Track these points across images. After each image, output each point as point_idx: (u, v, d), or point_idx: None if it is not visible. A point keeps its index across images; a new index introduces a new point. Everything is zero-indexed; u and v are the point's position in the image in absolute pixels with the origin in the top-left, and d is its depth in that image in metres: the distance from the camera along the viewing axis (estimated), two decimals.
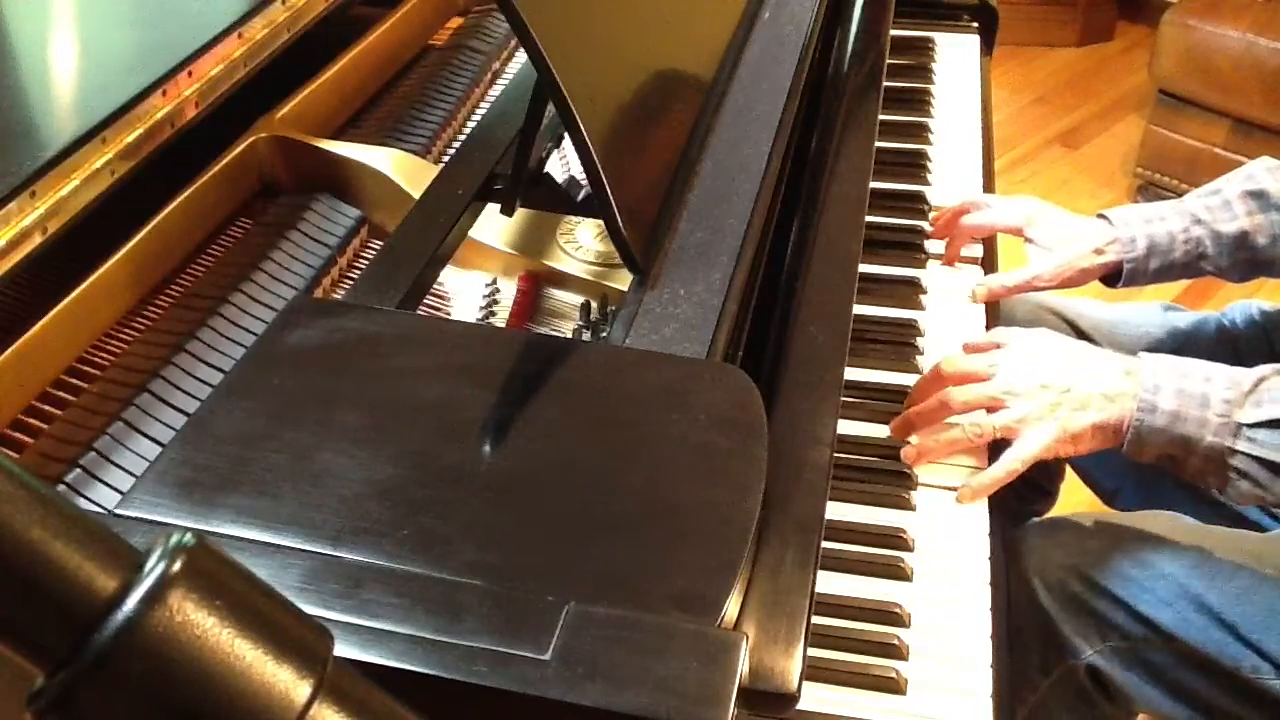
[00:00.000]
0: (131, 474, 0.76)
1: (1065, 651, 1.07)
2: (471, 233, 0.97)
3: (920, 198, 1.34)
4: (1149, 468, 0.99)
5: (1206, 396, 0.93)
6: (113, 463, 0.77)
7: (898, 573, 0.92)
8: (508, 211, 0.92)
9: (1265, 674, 1.02)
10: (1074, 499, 1.53)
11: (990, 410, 0.99)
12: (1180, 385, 0.94)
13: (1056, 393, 0.96)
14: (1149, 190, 2.86)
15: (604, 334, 0.89)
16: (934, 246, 1.28)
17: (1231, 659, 1.02)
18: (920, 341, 1.14)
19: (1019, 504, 1.48)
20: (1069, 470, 1.47)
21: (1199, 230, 1.17)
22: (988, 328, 1.19)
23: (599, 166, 0.80)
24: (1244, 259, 1.18)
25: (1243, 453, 0.92)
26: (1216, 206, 1.17)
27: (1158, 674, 1.06)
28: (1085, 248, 1.18)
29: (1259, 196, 1.16)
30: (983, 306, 1.21)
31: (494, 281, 0.98)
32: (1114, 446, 0.96)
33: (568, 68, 0.79)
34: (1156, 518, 1.12)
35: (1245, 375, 0.94)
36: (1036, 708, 1.11)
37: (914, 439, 1.01)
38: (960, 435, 0.98)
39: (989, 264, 1.28)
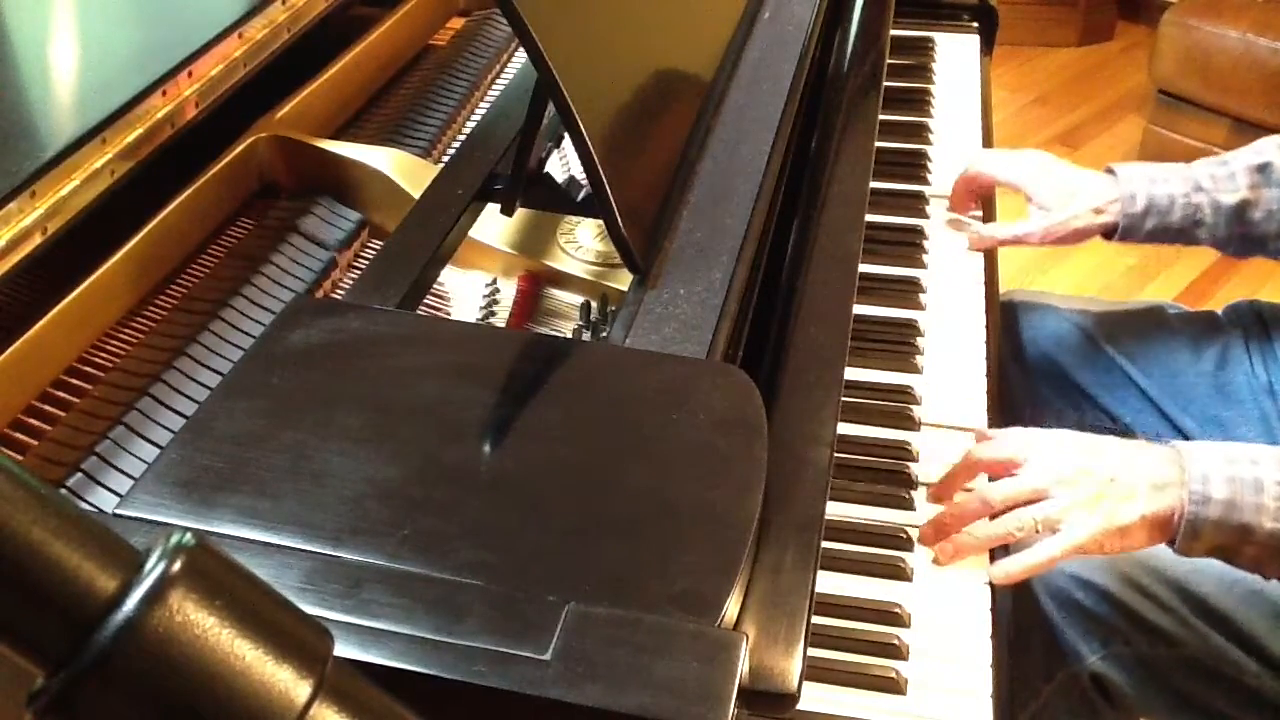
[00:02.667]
0: (132, 478, 0.76)
1: (1067, 657, 1.07)
2: (471, 233, 0.97)
3: (920, 197, 1.34)
4: None
5: (1260, 481, 0.88)
6: (114, 467, 0.77)
7: (898, 573, 0.92)
8: (508, 211, 0.92)
9: (1268, 680, 1.02)
10: None
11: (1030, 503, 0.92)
12: (1229, 471, 0.88)
13: (1101, 481, 0.90)
14: None
15: (604, 334, 0.89)
16: (934, 247, 1.28)
17: (1234, 665, 1.02)
18: (920, 341, 1.14)
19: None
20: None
21: (1200, 197, 1.18)
22: (988, 327, 1.19)
23: (599, 166, 0.80)
24: (1239, 232, 1.19)
25: None
26: (1222, 177, 1.19)
27: (1160, 680, 1.05)
28: (1083, 207, 1.20)
29: (1263, 170, 1.17)
30: (982, 308, 1.21)
31: (494, 281, 0.98)
32: (1163, 541, 0.91)
33: (568, 68, 0.79)
34: None
35: None
36: (1038, 714, 1.11)
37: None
38: (1002, 531, 0.91)
39: (988, 220, 1.32)
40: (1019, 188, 1.26)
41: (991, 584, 0.92)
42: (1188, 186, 1.18)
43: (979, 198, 1.33)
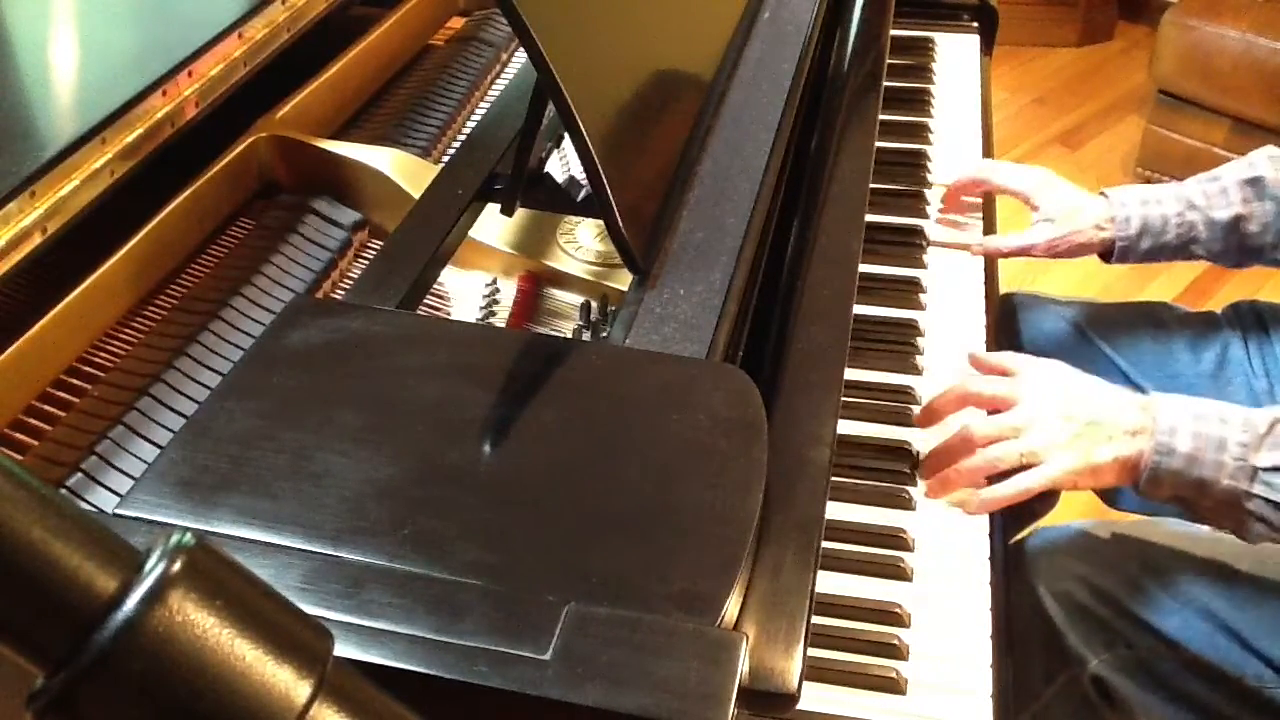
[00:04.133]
0: (132, 478, 0.76)
1: (1069, 660, 1.07)
2: (471, 233, 0.97)
3: (920, 198, 1.34)
4: None
5: (1223, 440, 0.92)
6: (114, 467, 0.77)
7: (898, 573, 0.92)
8: (508, 211, 0.92)
9: (1269, 682, 1.02)
10: (1075, 499, 1.53)
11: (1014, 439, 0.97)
12: (1196, 427, 0.92)
13: (1081, 424, 0.95)
14: None
15: (604, 334, 0.89)
16: (934, 247, 1.28)
17: (1236, 667, 1.02)
18: (920, 341, 1.14)
19: (1020, 505, 1.48)
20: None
21: (1193, 215, 1.19)
22: (988, 327, 1.19)
23: (599, 166, 0.80)
24: (1235, 244, 1.20)
25: (1259, 496, 0.91)
26: (1214, 193, 1.20)
27: (1163, 683, 1.05)
28: (1085, 223, 1.22)
29: (1255, 183, 1.18)
30: (982, 308, 1.21)
31: (494, 281, 0.98)
32: (1129, 484, 0.95)
33: (568, 68, 0.79)
34: (1161, 525, 1.12)
35: (1260, 417, 0.93)
36: (1039, 715, 1.11)
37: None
38: (983, 462, 0.96)
39: (988, 230, 1.32)
40: (1024, 197, 1.27)
41: (991, 586, 0.92)
42: (1181, 205, 1.20)
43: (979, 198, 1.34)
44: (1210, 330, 1.32)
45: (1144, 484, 0.94)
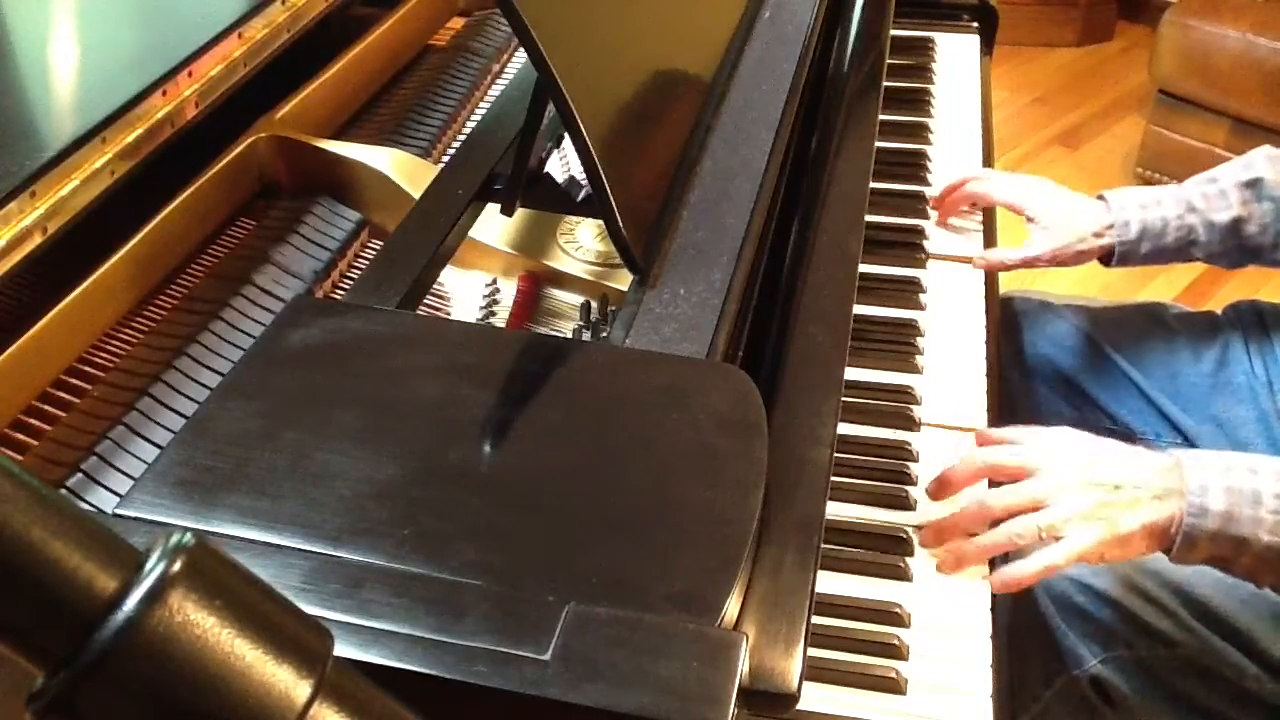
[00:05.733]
0: (132, 478, 0.76)
1: (1068, 661, 1.07)
2: (471, 233, 0.97)
3: (920, 198, 1.34)
4: None
5: (1258, 494, 0.88)
6: (114, 467, 0.77)
7: (898, 573, 0.92)
8: (508, 211, 0.92)
9: (1268, 683, 1.02)
10: None
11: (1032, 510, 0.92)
12: (1227, 482, 0.88)
13: (1105, 491, 0.90)
14: None
15: (604, 334, 0.89)
16: (935, 247, 1.28)
17: (1235, 668, 1.02)
18: (920, 341, 1.14)
19: None
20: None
21: (1193, 218, 1.19)
22: (988, 328, 1.19)
23: (599, 166, 0.80)
24: (1234, 246, 1.20)
25: None
26: (1213, 195, 1.19)
27: (1161, 684, 1.05)
28: (1084, 230, 1.21)
29: (1254, 185, 1.18)
30: (982, 308, 1.21)
31: (494, 281, 0.98)
32: (1161, 550, 0.91)
33: (568, 68, 0.79)
34: None
35: None
36: (1038, 717, 1.11)
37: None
38: (1004, 538, 0.91)
39: (988, 240, 1.31)
40: (1020, 208, 1.27)
41: (992, 587, 0.92)
42: (1180, 208, 1.19)
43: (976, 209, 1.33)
44: (1210, 330, 1.32)
45: (1177, 551, 0.89)
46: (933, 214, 1.32)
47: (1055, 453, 0.93)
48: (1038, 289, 1.51)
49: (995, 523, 0.92)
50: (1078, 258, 1.23)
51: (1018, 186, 1.28)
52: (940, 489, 0.96)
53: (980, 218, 1.34)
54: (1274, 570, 0.89)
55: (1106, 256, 1.23)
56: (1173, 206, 1.20)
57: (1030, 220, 1.26)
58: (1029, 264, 1.24)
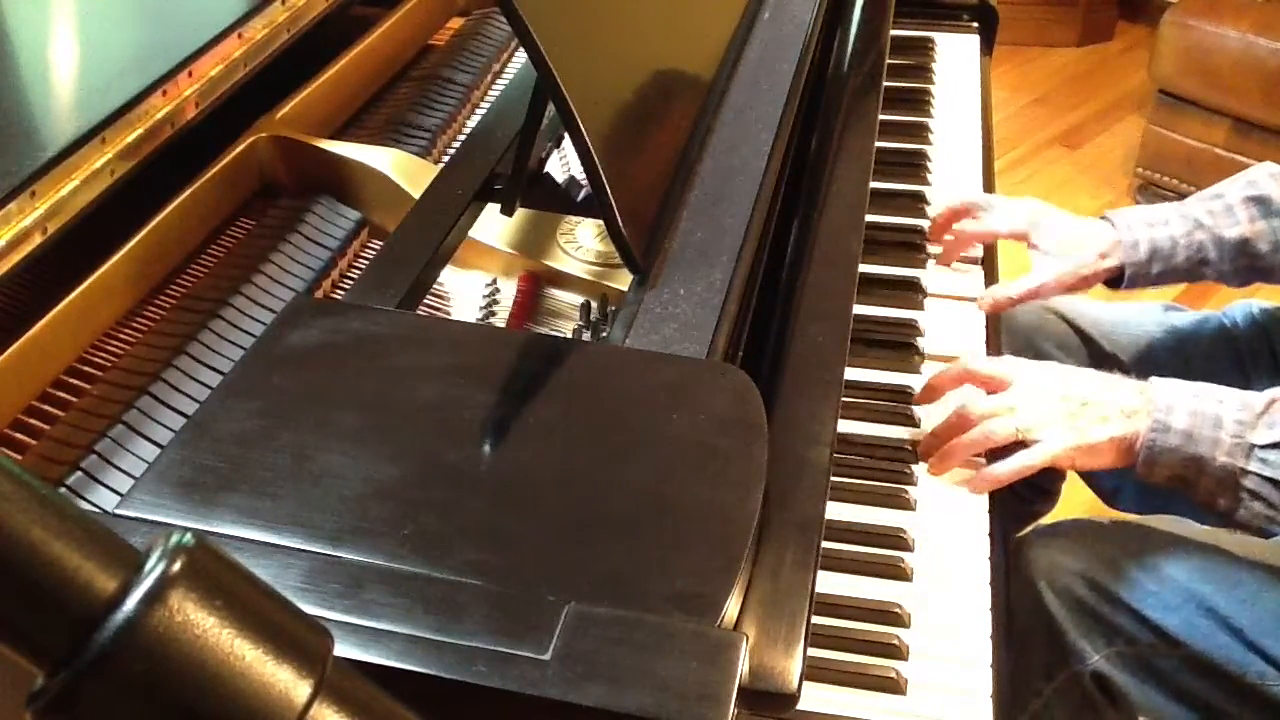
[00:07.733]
0: (132, 477, 0.76)
1: (1070, 657, 1.07)
2: (471, 233, 0.97)
3: (920, 198, 1.34)
4: None
5: (1220, 417, 0.93)
6: (114, 466, 0.77)
7: (898, 573, 0.92)
8: (508, 211, 0.92)
9: (1271, 679, 1.02)
10: (1074, 499, 1.53)
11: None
12: (1193, 405, 0.94)
13: (1076, 403, 0.97)
14: (1149, 190, 2.86)
15: (604, 334, 0.89)
16: (934, 246, 1.28)
17: (1237, 664, 1.02)
18: (920, 341, 1.14)
19: (1020, 505, 1.48)
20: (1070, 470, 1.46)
21: (1201, 235, 1.17)
22: (988, 328, 1.19)
23: (599, 166, 0.80)
24: (1244, 265, 1.18)
25: (1255, 474, 0.92)
26: (1219, 211, 1.17)
27: (1163, 679, 1.05)
28: (1090, 254, 1.18)
29: (1261, 202, 1.16)
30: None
31: (494, 281, 0.98)
32: (1127, 465, 0.97)
33: (568, 68, 0.79)
34: (1162, 522, 1.12)
35: (1258, 397, 0.94)
36: (1040, 713, 1.11)
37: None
38: (980, 435, 0.98)
39: (989, 264, 1.29)
40: (1021, 236, 1.24)
41: (991, 585, 0.92)
42: (1187, 225, 1.17)
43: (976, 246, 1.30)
44: (1211, 331, 1.32)
45: (1141, 463, 0.95)
46: (933, 215, 1.32)
47: (1032, 368, 1.02)
48: None
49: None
50: (1084, 282, 1.20)
51: (1019, 216, 1.24)
52: (926, 394, 1.06)
53: (980, 251, 1.29)
54: (1229, 493, 0.94)
55: (1114, 280, 1.20)
56: (1180, 224, 1.17)
57: (1033, 247, 1.23)
58: (1034, 295, 1.20)
